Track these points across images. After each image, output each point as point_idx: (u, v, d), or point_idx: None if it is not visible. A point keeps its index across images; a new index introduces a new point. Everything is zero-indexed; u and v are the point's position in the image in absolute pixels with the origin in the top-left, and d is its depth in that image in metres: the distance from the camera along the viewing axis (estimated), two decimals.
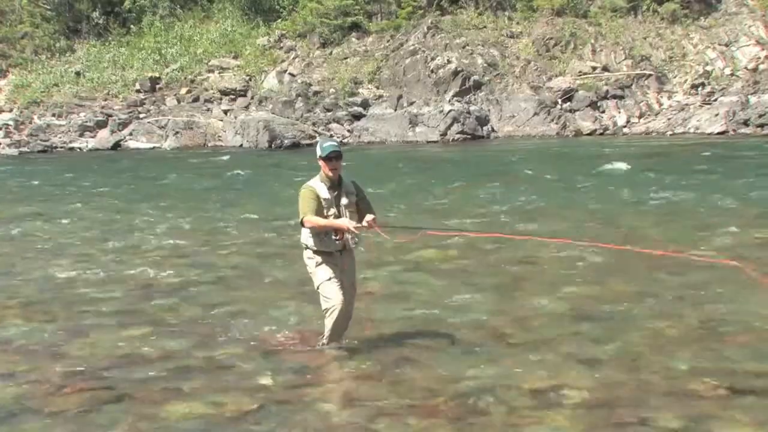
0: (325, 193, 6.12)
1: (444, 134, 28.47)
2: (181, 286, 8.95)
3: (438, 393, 5.54)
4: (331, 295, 6.12)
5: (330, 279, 6.13)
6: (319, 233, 6.13)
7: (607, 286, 8.37)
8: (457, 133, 28.43)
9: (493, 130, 29.39)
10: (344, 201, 6.15)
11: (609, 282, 8.54)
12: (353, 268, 6.39)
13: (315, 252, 6.17)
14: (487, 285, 8.63)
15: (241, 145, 28.69)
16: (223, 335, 7.00)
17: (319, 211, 6.05)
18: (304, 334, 6.87)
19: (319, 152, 6.16)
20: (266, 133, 28.38)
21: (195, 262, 10.17)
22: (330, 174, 6.12)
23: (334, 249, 6.15)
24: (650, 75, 30.61)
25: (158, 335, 7.05)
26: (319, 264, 6.18)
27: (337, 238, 6.10)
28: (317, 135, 29.25)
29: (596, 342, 6.55)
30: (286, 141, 28.31)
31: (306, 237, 6.23)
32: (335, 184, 6.19)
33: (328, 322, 6.22)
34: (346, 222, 5.99)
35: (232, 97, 32.52)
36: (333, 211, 6.11)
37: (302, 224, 6.10)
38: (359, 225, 6.00)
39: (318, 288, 6.22)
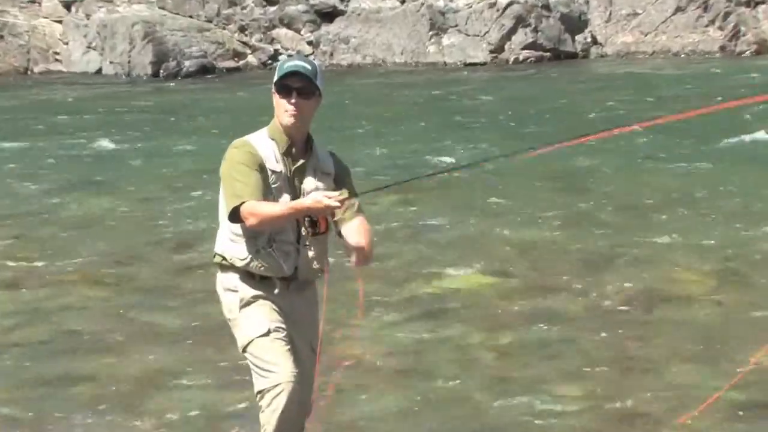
0: (273, 159, 5.50)
1: (498, 50, 28.18)
2: None
3: None
4: (271, 365, 5.49)
5: (268, 334, 5.52)
6: (257, 238, 5.51)
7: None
8: (523, 48, 28.08)
9: (594, 41, 29.16)
10: (310, 183, 5.57)
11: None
12: (314, 315, 5.81)
13: (241, 276, 5.63)
14: (554, 352, 8.54)
15: (100, 71, 29.05)
16: None
17: (265, 193, 5.47)
18: None
19: (275, 77, 5.81)
20: (149, 47, 28.45)
21: (17, 300, 10.29)
22: (288, 122, 5.49)
23: (283, 273, 5.63)
24: None
25: None
26: (248, 304, 5.60)
27: (308, 231, 5.51)
28: (249, 51, 29.61)
29: None
30: (187, 63, 28.51)
31: (226, 244, 5.65)
32: (297, 148, 5.61)
33: (267, 418, 5.52)
34: (320, 198, 5.41)
35: None
36: (287, 197, 5.52)
37: (233, 218, 5.46)
38: (342, 197, 5.49)
39: (246, 351, 5.61)
